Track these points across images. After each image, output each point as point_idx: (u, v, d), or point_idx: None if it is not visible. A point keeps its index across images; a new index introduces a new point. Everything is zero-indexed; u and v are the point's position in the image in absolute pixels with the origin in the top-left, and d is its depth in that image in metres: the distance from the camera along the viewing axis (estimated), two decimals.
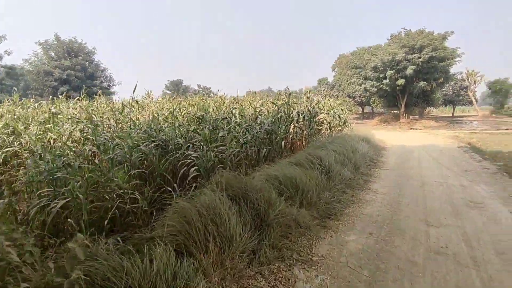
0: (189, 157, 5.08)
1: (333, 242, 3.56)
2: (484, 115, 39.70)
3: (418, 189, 5.77)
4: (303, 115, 8.63)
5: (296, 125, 8.54)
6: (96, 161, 4.75)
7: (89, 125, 6.21)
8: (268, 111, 8.18)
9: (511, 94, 45.29)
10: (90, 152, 5.25)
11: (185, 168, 4.86)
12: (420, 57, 25.62)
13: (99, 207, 3.73)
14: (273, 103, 8.17)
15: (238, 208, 3.32)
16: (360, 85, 31.81)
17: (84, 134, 6.12)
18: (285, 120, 8.34)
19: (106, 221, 3.47)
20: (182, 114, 8.94)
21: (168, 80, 67.53)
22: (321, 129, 10.54)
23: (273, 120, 7.45)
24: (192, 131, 6.61)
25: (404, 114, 33.37)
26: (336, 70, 62.05)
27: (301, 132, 8.71)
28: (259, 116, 7.49)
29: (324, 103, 11.84)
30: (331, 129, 10.81)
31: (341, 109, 12.58)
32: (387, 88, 28.99)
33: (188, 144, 5.58)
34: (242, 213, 3.27)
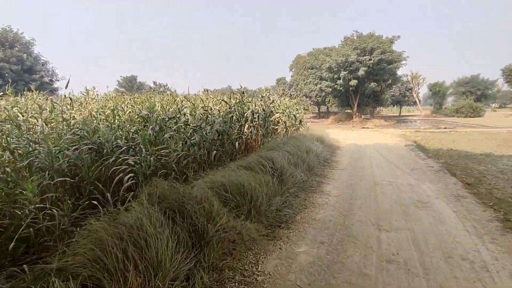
0: (125, 162, 4.45)
1: (282, 256, 3.24)
2: (426, 114, 43.33)
3: (370, 189, 5.75)
4: (257, 114, 8.32)
5: (251, 125, 8.21)
6: (9, 169, 3.93)
7: (8, 126, 5.26)
8: (219, 110, 7.71)
9: (448, 95, 50.11)
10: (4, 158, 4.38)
11: (121, 175, 4.24)
12: (370, 59, 27.00)
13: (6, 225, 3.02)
14: (225, 102, 7.71)
15: (173, 225, 2.84)
16: (316, 85, 32.67)
17: None
18: (239, 119, 7.96)
19: (12, 244, 2.79)
20: (127, 113, 8.11)
21: (121, 76, 63.56)
22: (277, 128, 10.36)
23: (225, 120, 7.01)
24: (132, 132, 5.91)
25: (357, 114, 35.05)
26: (293, 70, 63.40)
27: (256, 132, 8.40)
28: (210, 116, 6.99)
29: (280, 103, 11.69)
30: (287, 129, 10.68)
31: (297, 108, 12.55)
32: (341, 89, 30.14)
33: (126, 147, 4.93)
34: (177, 231, 2.79)
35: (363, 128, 24.42)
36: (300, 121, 12.83)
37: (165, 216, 2.88)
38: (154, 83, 67.36)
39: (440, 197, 5.19)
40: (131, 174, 4.30)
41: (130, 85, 67.74)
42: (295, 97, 43.26)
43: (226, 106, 8.00)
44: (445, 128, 21.49)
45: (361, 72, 27.28)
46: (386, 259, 3.18)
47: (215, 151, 6.15)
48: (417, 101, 47.55)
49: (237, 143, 7.09)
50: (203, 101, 9.55)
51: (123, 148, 4.80)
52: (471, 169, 7.57)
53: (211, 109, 7.37)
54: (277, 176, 5.13)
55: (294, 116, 11.21)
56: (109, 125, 6.21)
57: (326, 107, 57.29)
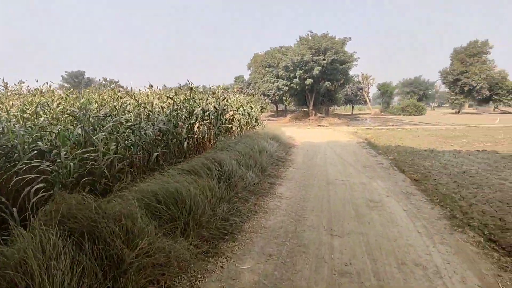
0: (37, 169, 3.66)
1: (223, 276, 2.76)
2: (375, 113, 46.08)
3: (323, 189, 5.54)
4: (207, 112, 7.75)
5: (202, 123, 7.62)
6: None
7: None
8: (162, 108, 7.00)
9: (394, 95, 53.90)
10: None
11: (34, 185, 3.46)
12: (324, 59, 27.79)
13: None
14: (170, 98, 7.02)
15: (78, 252, 2.21)
16: (273, 83, 32.82)
17: None
18: (188, 117, 7.33)
19: None
20: (57, 110, 7.02)
21: (66, 71, 58.31)
22: (231, 127, 9.89)
23: (169, 118, 6.34)
24: (55, 132, 4.99)
25: (313, 112, 36.00)
26: (251, 68, 63.40)
27: (208, 131, 7.83)
28: (151, 114, 6.27)
29: (234, 100, 11.23)
30: (241, 127, 10.27)
31: (251, 106, 12.21)
32: (297, 87, 30.65)
33: (37, 150, 4.09)
34: (82, 260, 2.17)
35: (318, 126, 25.00)
36: (256, 119, 12.51)
37: (68, 241, 2.24)
38: (105, 79, 62.79)
39: (391, 195, 5.13)
40: (42, 184, 3.52)
41: (77, 80, 62.33)
42: (252, 96, 43.18)
43: (172, 103, 7.31)
44: (392, 125, 22.84)
45: (315, 71, 27.94)
46: (338, 271, 2.87)
47: (156, 153, 5.48)
48: (368, 100, 50.43)
49: (185, 143, 6.48)
50: (148, 98, 8.72)
51: (34, 152, 3.97)
52: (418, 165, 7.83)
53: (153, 106, 6.63)
54: (225, 180, 4.65)
55: (249, 114, 10.84)
56: (33, 124, 5.23)
57: (284, 105, 58.32)
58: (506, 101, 40.06)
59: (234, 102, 10.87)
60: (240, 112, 10.40)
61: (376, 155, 9.18)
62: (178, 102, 7.14)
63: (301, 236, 3.62)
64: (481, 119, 30.38)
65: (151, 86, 8.66)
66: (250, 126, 11.52)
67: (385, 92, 47.95)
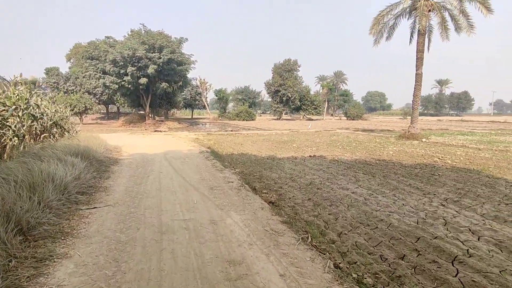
0: None
1: None
2: (214, 117, 47.45)
3: (152, 249, 3.28)
4: None
5: None
6: None
7: None
8: None
9: (230, 101, 57.77)
10: None
11: None
12: (160, 58, 25.13)
13: None
14: None
15: None
16: (98, 79, 26.96)
17: None
18: None
19: None
20: None
21: None
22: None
23: None
24: None
25: (150, 115, 32.44)
26: (72, 61, 52.04)
27: None
28: None
29: (12, 95, 6.97)
30: (20, 138, 6.32)
31: (43, 104, 8.12)
32: (129, 86, 26.39)
33: None
34: None
35: (155, 131, 22.06)
36: (58, 125, 8.54)
37: None
38: None
39: (255, 241, 3.53)
40: None
41: None
42: (74, 93, 34.64)
43: None
44: (232, 131, 23.17)
45: (150, 70, 24.84)
46: None
47: None
48: (206, 105, 51.45)
49: None
50: None
51: None
52: (267, 178, 6.94)
53: None
54: None
55: (34, 116, 6.89)
56: None
57: (117, 107, 50.71)
58: (310, 110, 50.65)
59: (9, 98, 6.67)
60: (20, 113, 6.43)
61: (222, 169, 7.75)
62: None
63: None
64: (297, 124, 36.52)
65: None
66: (45, 135, 7.58)
67: (222, 98, 50.33)
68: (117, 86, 26.35)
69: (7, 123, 5.89)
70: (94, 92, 36.99)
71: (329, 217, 4.49)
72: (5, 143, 5.92)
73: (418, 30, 16.62)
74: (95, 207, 4.40)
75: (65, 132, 9.20)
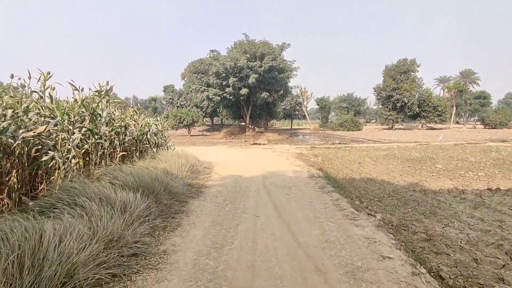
0: None
1: None
2: (315, 128, 44.19)
3: None
4: None
5: None
6: None
7: None
8: None
9: (332, 110, 53.53)
10: None
11: None
12: (261, 66, 23.84)
13: None
14: None
15: None
16: (202, 92, 27.66)
17: None
18: None
19: None
20: None
21: None
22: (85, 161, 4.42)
23: None
24: None
25: (250, 126, 31.85)
26: (186, 79, 57.85)
27: None
28: None
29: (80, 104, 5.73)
30: (94, 158, 4.85)
31: (131, 120, 6.76)
32: (231, 98, 26.04)
33: None
34: None
35: (254, 144, 20.48)
36: (152, 142, 7.20)
37: None
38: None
39: None
40: None
41: None
42: (184, 107, 37.07)
43: None
44: (340, 143, 19.59)
45: (251, 79, 23.76)
46: None
47: None
48: (306, 114, 48.72)
49: None
50: None
51: None
52: (445, 242, 3.53)
53: None
54: None
55: (94, 133, 5.34)
56: None
57: (220, 119, 53.48)
58: (432, 117, 41.65)
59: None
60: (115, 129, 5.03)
61: (353, 214, 4.67)
62: None
63: None
64: (418, 135, 29.72)
65: None
66: (123, 154, 6.18)
67: (324, 107, 46.68)
68: (219, 98, 26.38)
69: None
70: (201, 105, 39.22)
71: None
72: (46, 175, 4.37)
73: None
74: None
75: (153, 148, 7.86)
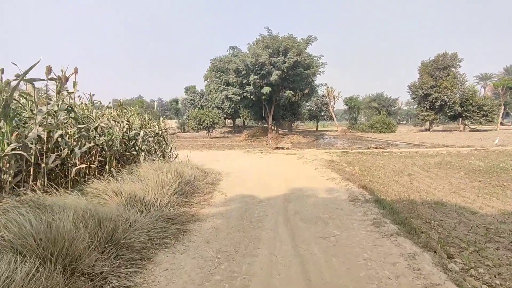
0: None
1: None
2: (343, 130, 41.10)
3: None
4: None
5: None
6: None
7: None
8: None
9: (362, 110, 50.01)
10: None
11: None
12: (285, 62, 21.62)
13: None
14: None
15: None
16: (221, 91, 25.90)
17: None
18: None
19: None
20: None
21: None
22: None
23: None
24: None
25: (273, 128, 29.70)
26: (208, 80, 56.84)
27: None
28: None
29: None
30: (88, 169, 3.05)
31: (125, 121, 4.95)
32: (252, 97, 24.03)
33: None
34: None
35: (276, 148, 18.28)
36: (139, 149, 5.36)
37: None
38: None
39: None
40: None
41: None
42: (205, 108, 35.52)
43: None
44: (376, 148, 16.94)
45: (274, 76, 21.62)
46: None
47: None
48: (333, 115, 45.70)
49: None
50: None
51: None
52: None
53: None
54: None
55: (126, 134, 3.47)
56: None
57: (242, 120, 51.76)
58: (477, 118, 37.23)
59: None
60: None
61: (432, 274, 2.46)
62: None
63: None
64: (462, 137, 26.10)
65: None
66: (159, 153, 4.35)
67: (353, 107, 43.47)
68: (239, 97, 24.46)
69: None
70: (222, 106, 37.60)
71: None
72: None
73: None
74: None
75: (167, 153, 6.02)
